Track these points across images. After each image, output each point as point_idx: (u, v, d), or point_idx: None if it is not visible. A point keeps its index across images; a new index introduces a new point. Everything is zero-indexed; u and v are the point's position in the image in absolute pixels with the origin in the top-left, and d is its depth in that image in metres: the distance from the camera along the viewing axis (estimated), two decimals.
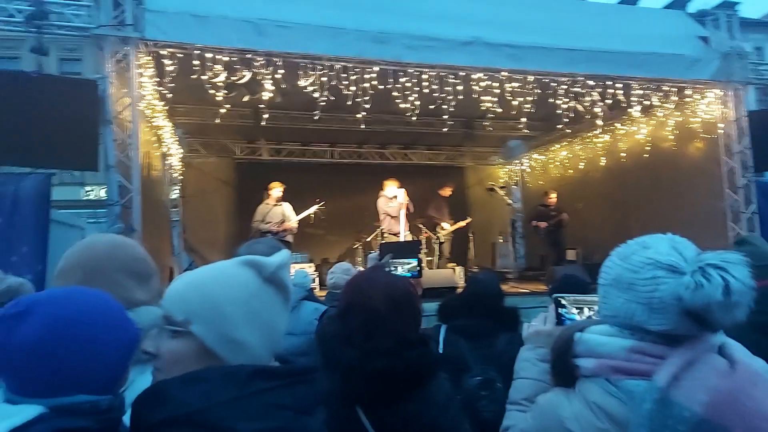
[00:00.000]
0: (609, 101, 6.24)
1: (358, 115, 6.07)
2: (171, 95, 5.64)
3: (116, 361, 0.89)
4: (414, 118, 6.17)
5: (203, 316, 0.91)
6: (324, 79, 5.45)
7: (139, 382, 1.02)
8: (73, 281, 1.22)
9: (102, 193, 15.50)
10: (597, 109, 6.38)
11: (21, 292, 3.07)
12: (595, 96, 6.19)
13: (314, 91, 5.57)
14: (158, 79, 5.53)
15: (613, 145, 8.42)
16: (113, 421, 0.87)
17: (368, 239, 8.34)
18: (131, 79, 4.90)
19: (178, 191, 9.14)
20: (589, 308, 1.45)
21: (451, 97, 5.85)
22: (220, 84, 5.41)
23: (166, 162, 8.05)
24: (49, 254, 4.52)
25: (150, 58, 5.19)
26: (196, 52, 5.04)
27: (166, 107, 6.67)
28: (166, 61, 5.14)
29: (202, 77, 5.20)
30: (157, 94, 5.97)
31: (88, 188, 16.65)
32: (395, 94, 5.78)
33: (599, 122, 6.91)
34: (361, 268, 6.70)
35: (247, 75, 5.48)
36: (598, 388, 1.04)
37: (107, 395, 0.87)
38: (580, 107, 6.40)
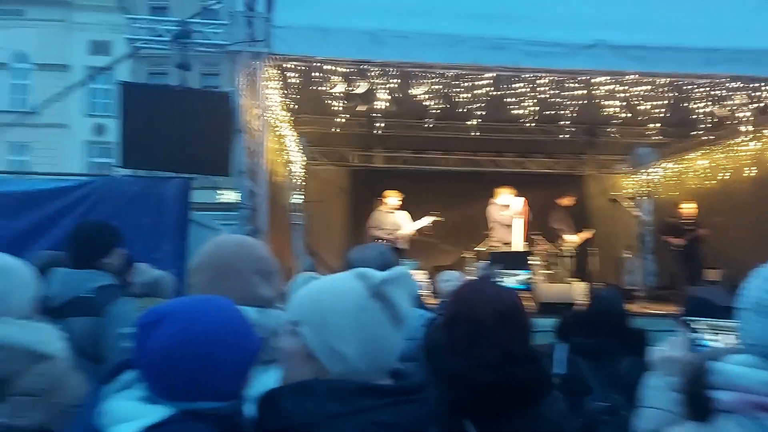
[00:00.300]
0: (759, 105, 5.55)
1: (470, 122, 6.01)
2: (295, 106, 6.01)
3: (237, 371, 0.96)
4: (530, 125, 5.96)
5: (310, 321, 0.96)
6: (437, 87, 5.47)
7: (260, 380, 1.06)
8: (206, 278, 1.33)
9: (232, 196, 16.92)
10: (742, 114, 5.70)
11: (161, 284, 3.44)
12: (740, 99, 5.54)
13: (427, 99, 5.62)
14: (284, 91, 5.92)
15: (763, 153, 7.47)
16: (234, 425, 0.93)
17: (480, 249, 8.21)
18: (259, 91, 5.31)
19: (300, 196, 9.71)
20: (726, 335, 1.30)
21: (570, 103, 5.57)
22: (339, 94, 5.66)
23: (290, 169, 8.58)
24: (188, 252, 4.98)
25: (277, 71, 5.58)
26: (316, 64, 5.33)
27: (291, 117, 7.13)
28: (291, 74, 5.50)
29: (321, 88, 5.47)
30: (283, 105, 6.40)
31: (220, 192, 18.20)
32: (509, 100, 5.64)
33: (745, 128, 6.17)
34: (469, 277, 6.61)
35: (364, 85, 5.68)
36: (736, 426, 0.92)
37: (229, 401, 0.93)
38: (721, 112, 5.77)
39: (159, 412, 0.88)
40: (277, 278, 1.44)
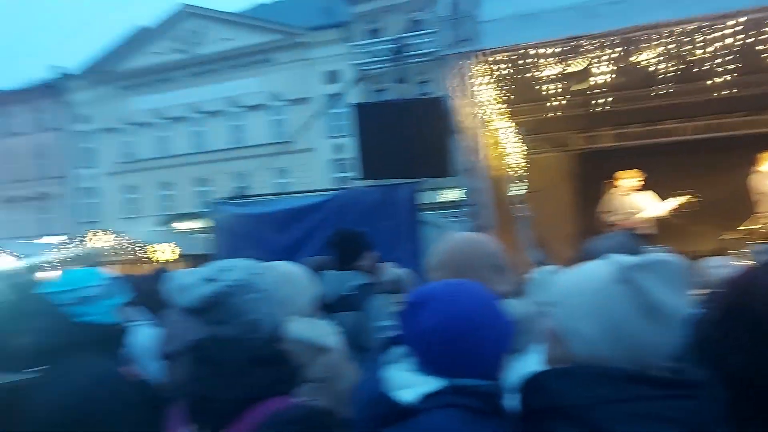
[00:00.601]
0: None
1: (713, 81, 5.16)
2: (509, 97, 5.99)
3: (497, 352, 1.03)
4: None
5: (559, 302, 1.00)
6: (666, 48, 4.86)
7: (516, 367, 1.13)
8: (445, 274, 1.44)
9: (453, 195, 17.50)
10: None
11: (403, 281, 3.82)
12: None
13: (656, 63, 5.03)
14: (496, 84, 5.96)
15: None
16: (496, 404, 1.01)
17: (748, 227, 6.89)
18: (470, 90, 5.44)
19: (522, 188, 9.58)
20: None
21: None
22: (554, 77, 5.46)
23: (509, 161, 8.55)
24: (423, 250, 5.40)
25: (486, 66, 5.65)
26: (526, 51, 5.23)
27: (506, 109, 7.10)
28: (502, 66, 5.51)
29: (535, 74, 5.35)
30: (497, 98, 6.43)
31: (441, 192, 18.96)
32: (762, 47, 4.68)
33: None
34: (744, 263, 5.64)
35: (580, 62, 5.37)
36: None
37: (490, 380, 1.01)
38: None
39: (432, 383, 0.99)
40: (508, 272, 1.50)
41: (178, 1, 25.41)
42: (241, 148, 24.36)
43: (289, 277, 1.83)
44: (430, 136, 5.44)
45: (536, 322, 1.32)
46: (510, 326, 1.06)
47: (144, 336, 2.54)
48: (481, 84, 5.67)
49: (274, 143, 23.15)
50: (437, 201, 18.63)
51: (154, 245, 16.66)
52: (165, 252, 16.46)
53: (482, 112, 5.90)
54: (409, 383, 1.01)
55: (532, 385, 0.95)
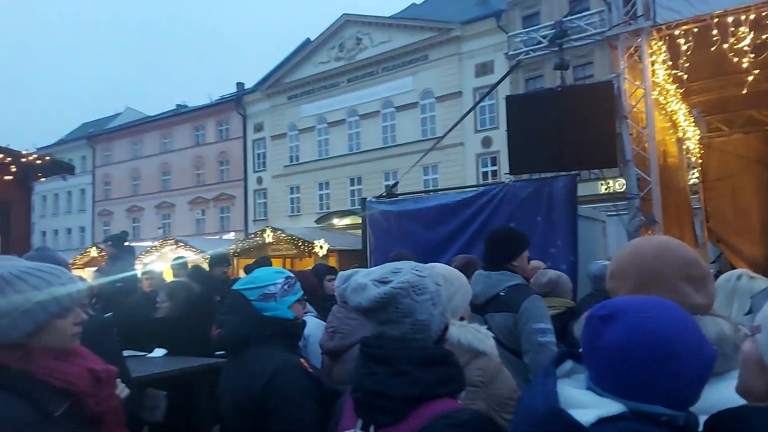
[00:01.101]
0: None
1: None
2: (685, 75, 5.28)
3: (692, 379, 0.89)
4: None
5: (765, 326, 0.85)
6: None
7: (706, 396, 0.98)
8: (628, 284, 1.27)
9: (617, 186, 16.09)
10: None
11: (560, 284, 3.53)
12: None
13: None
14: (671, 63, 5.29)
15: None
16: None
17: None
18: (644, 70, 4.89)
19: (697, 176, 8.44)
20: None
21: None
22: (746, 48, 4.67)
23: (683, 147, 7.57)
24: (578, 245, 5.02)
25: (662, 43, 5.03)
26: (714, 20, 4.54)
27: (680, 89, 6.29)
28: (680, 41, 4.86)
29: (724, 46, 4.63)
30: (670, 78, 5.71)
31: (604, 182, 17.58)
32: None
33: None
34: None
35: None
36: None
37: (681, 411, 0.88)
38: None
39: (611, 406, 0.88)
40: (709, 283, 1.26)
41: (340, 12, 27.12)
42: (392, 146, 25.18)
43: (447, 278, 1.81)
44: (595, 123, 5.00)
45: (734, 343, 1.12)
46: (711, 351, 0.91)
47: (309, 329, 2.70)
48: (655, 62, 5.07)
49: (424, 140, 23.55)
50: (601, 193, 17.33)
51: (313, 241, 17.97)
52: (323, 247, 17.65)
53: (655, 93, 5.27)
54: (583, 402, 0.90)
55: (727, 422, 0.81)
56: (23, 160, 6.37)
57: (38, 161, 6.57)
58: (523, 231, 3.00)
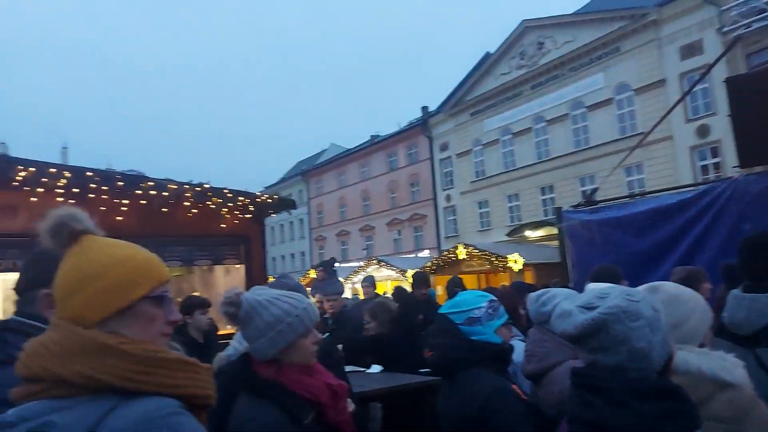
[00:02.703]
0: None
1: None
2: None
3: None
4: None
5: None
6: None
7: None
8: None
9: None
10: None
11: None
12: None
13: None
14: None
15: None
16: None
17: None
18: None
19: None
20: None
21: None
22: None
23: None
24: None
25: None
26: None
27: None
28: None
29: None
30: None
31: None
32: None
33: None
34: None
35: None
36: None
37: None
38: None
39: None
40: None
41: (518, 20, 26.70)
42: (584, 150, 23.56)
43: (678, 298, 1.61)
44: None
45: None
46: None
47: (518, 355, 2.62)
48: None
49: (622, 138, 21.52)
50: None
51: (507, 255, 17.61)
52: (517, 261, 17.17)
53: None
54: None
55: None
56: (258, 200, 7.60)
57: (269, 200, 7.75)
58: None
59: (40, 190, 6.04)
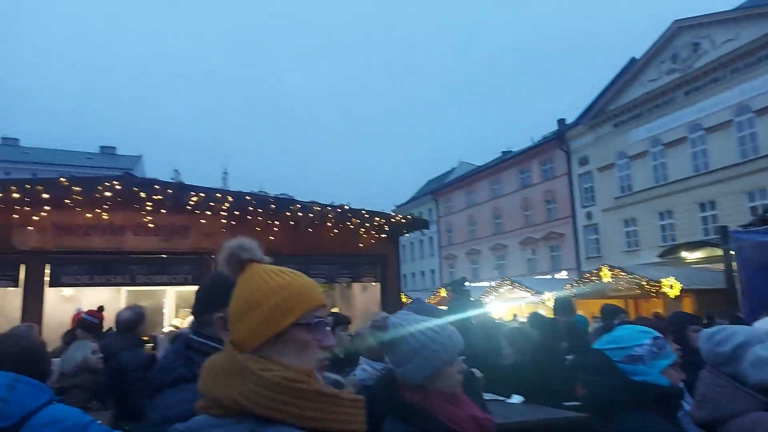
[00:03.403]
0: None
1: None
2: None
3: None
4: None
5: None
6: None
7: None
8: None
9: None
10: None
11: None
12: None
13: None
14: None
15: None
16: None
17: None
18: None
19: None
20: None
21: None
22: None
23: None
24: None
25: None
26: None
27: None
28: None
29: None
30: None
31: None
32: None
33: None
34: None
35: None
36: None
37: None
38: None
39: None
40: None
41: (668, 21, 24.59)
42: (753, 160, 20.65)
43: None
44: None
45: None
46: None
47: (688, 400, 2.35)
48: None
49: (745, 162, 18.60)
50: None
51: (660, 279, 15.93)
52: (674, 287, 15.44)
53: None
54: None
55: None
56: (393, 220, 7.86)
57: (403, 220, 7.98)
58: None
59: (207, 213, 6.87)
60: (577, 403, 3.73)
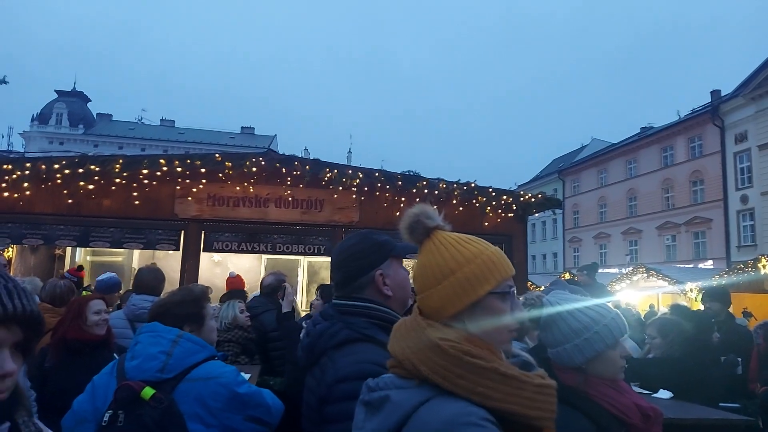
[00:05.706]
0: None
1: None
2: None
3: None
4: None
5: None
6: None
7: None
8: None
9: None
10: None
11: None
12: None
13: None
14: None
15: None
16: None
17: None
18: None
19: None
20: None
21: None
22: None
23: None
24: None
25: None
26: None
27: None
28: None
29: None
30: None
31: None
32: None
33: None
34: None
35: None
36: None
37: None
38: None
39: None
40: None
41: None
42: None
43: None
44: None
45: None
46: None
47: None
48: None
49: None
50: None
51: None
52: None
53: None
54: None
55: None
56: (522, 199, 7.60)
57: (533, 199, 7.68)
58: None
59: (340, 188, 7.20)
60: (734, 405, 3.37)
